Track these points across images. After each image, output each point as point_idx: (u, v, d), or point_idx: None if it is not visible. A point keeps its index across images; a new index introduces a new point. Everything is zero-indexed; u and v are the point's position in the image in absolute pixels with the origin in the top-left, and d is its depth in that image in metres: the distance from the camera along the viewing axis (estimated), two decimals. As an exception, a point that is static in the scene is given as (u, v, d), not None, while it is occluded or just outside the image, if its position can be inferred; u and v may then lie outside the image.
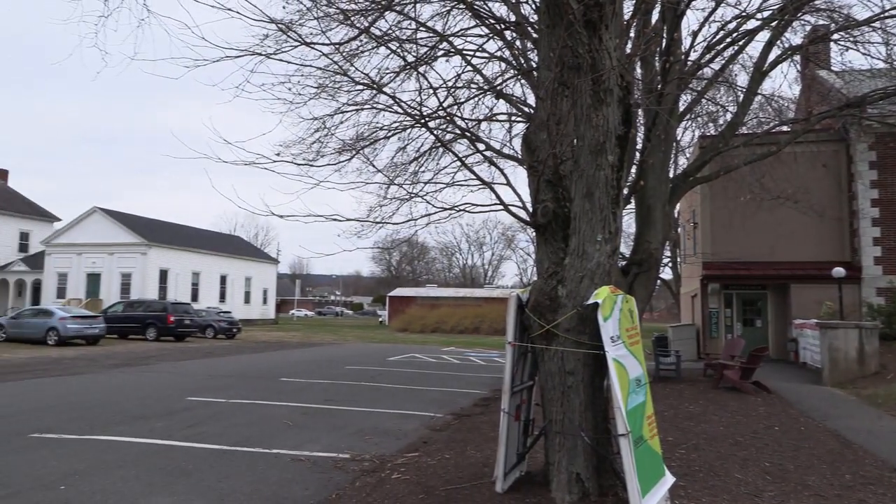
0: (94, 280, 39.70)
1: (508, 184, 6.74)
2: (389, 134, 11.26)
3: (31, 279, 41.65)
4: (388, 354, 24.21)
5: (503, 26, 9.40)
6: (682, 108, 12.67)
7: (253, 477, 6.59)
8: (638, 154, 11.04)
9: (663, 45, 10.97)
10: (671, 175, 12.64)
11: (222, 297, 46.85)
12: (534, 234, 6.37)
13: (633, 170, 10.89)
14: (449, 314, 47.21)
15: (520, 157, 10.66)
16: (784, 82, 48.82)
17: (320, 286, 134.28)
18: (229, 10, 6.55)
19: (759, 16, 11.35)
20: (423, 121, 7.12)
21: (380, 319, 68.30)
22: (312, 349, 27.19)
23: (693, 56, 11.61)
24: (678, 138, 15.94)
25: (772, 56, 12.01)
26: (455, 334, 43.21)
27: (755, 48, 42.50)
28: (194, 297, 42.64)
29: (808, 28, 12.56)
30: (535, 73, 8.56)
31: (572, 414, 5.74)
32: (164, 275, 40.59)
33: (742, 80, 14.16)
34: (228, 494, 5.98)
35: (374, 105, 10.33)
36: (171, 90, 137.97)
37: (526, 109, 11.35)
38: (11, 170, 72.87)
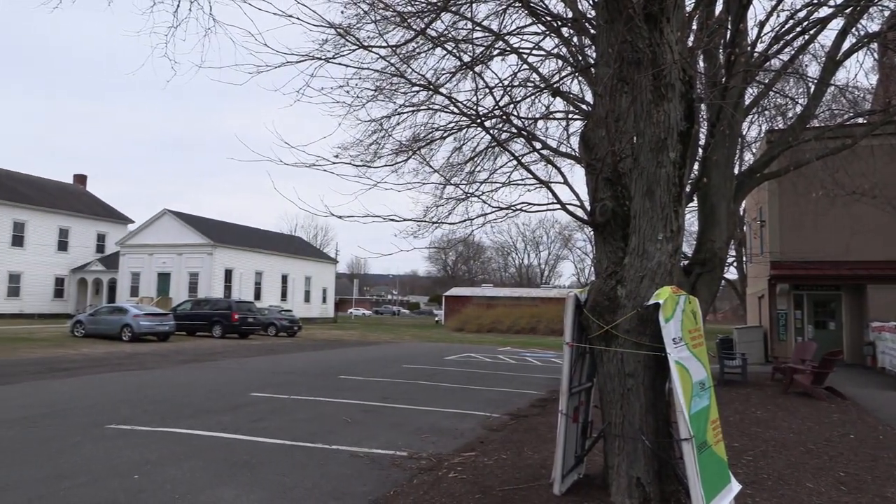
0: (164, 279, 41.53)
1: (566, 182, 6.65)
2: (445, 134, 11.32)
3: (107, 278, 43.92)
4: (445, 354, 24.30)
5: (560, 23, 9.29)
6: (748, 101, 12.21)
7: (313, 471, 6.74)
8: (701, 150, 10.70)
9: (728, 36, 10.59)
10: (736, 171, 12.19)
11: (283, 295, 48.17)
12: (592, 233, 6.26)
13: (696, 166, 10.56)
14: (505, 314, 47.04)
15: (577, 155, 10.51)
16: (859, 72, 46.31)
17: (377, 285, 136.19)
18: (290, 16, 6.72)
19: (831, 2, 10.81)
20: (479, 120, 7.12)
21: (436, 319, 68.73)
22: (370, 347, 27.61)
23: (760, 47, 11.16)
24: (744, 133, 15.33)
25: (846, 44, 11.42)
26: (511, 334, 43.01)
27: (827, 37, 40.44)
28: (257, 296, 44.02)
29: (886, 14, 11.87)
30: (592, 69, 8.42)
31: (632, 417, 5.62)
32: (228, 274, 42.06)
33: (813, 70, 13.50)
34: (291, 488, 6.14)
35: (431, 106, 10.40)
36: (236, 96, 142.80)
37: (583, 107, 11.19)
38: (89, 175, 77.18)
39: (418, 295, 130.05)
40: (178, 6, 8.03)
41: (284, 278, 48.43)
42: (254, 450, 7.56)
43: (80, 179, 51.79)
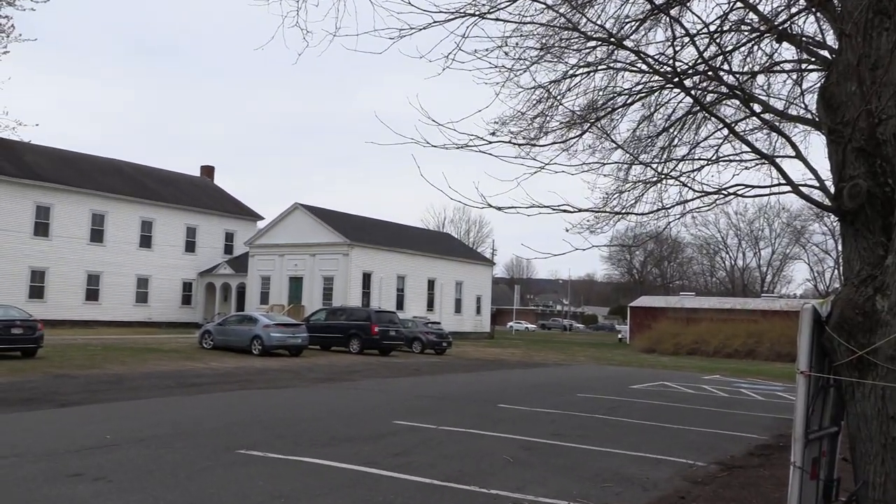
0: (296, 284, 44.77)
1: (798, 156, 6.20)
2: (631, 99, 11.02)
3: (236, 283, 48.26)
4: (631, 381, 23.80)
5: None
6: None
7: (468, 520, 6.89)
8: None
9: None
10: None
11: (430, 304, 49.79)
12: (837, 223, 5.78)
13: None
14: (711, 331, 45.05)
15: (814, 118, 9.73)
16: None
17: (544, 293, 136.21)
18: (437, -35, 6.92)
19: None
20: (676, 79, 6.85)
21: (619, 336, 67.41)
22: (535, 370, 27.68)
23: None
24: None
25: None
26: (720, 358, 41.12)
27: None
28: (399, 305, 45.93)
29: None
30: (836, 0, 7.75)
31: (899, 476, 5.11)
32: (366, 278, 44.35)
33: None
34: (441, 538, 6.33)
35: (611, 64, 10.18)
36: (371, 71, 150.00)
37: (822, 53, 10.32)
38: (217, 165, 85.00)
39: (595, 305, 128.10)
40: (311, -34, 8.60)
41: (431, 284, 50.07)
42: (397, 489, 7.90)
43: (208, 171, 57.35)
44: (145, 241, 46.63)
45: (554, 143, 9.86)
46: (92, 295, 43.54)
